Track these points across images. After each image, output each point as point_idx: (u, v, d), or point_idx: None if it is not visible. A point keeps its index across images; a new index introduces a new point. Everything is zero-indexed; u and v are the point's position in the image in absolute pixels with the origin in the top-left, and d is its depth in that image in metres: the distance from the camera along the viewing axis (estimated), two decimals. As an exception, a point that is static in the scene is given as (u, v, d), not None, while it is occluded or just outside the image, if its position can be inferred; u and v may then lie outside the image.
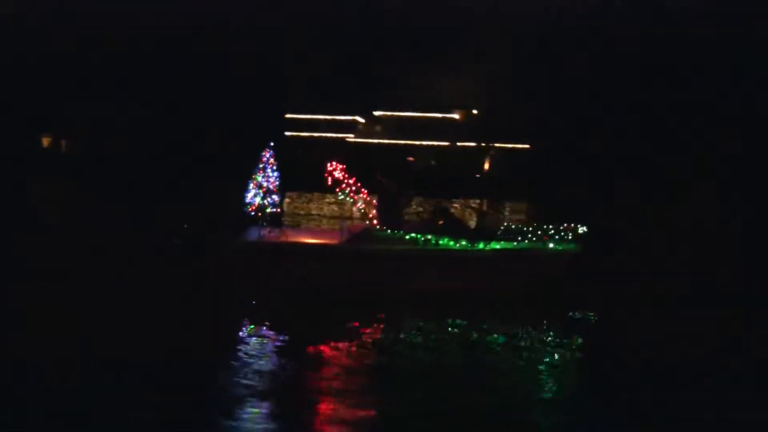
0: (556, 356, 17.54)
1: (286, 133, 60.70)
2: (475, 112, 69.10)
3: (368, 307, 20.98)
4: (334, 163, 24.04)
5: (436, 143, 66.61)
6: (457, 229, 24.13)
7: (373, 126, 64.61)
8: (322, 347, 17.26)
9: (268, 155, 24.43)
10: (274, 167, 24.52)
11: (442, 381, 15.30)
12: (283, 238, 23.71)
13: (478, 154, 68.72)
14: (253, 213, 24.04)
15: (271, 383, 14.76)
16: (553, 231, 23.51)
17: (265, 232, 23.54)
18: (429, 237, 22.85)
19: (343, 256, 22.77)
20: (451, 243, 22.89)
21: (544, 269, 22.97)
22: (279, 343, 17.78)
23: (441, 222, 25.16)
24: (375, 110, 64.69)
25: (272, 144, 25.07)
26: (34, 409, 12.80)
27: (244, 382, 14.56)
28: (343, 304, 21.09)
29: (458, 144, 67.36)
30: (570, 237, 23.47)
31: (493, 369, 16.39)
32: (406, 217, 24.82)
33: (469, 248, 22.77)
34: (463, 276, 22.31)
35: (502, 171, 68.47)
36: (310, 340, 17.70)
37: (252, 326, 19.25)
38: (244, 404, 13.39)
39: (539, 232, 23.69)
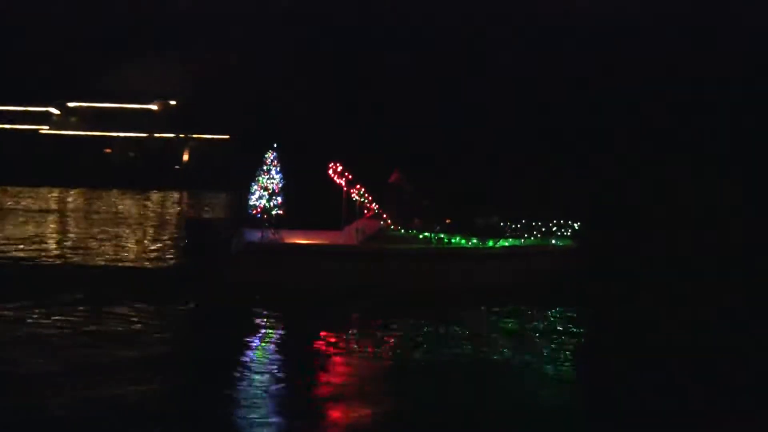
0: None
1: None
2: (173, 103, 69.47)
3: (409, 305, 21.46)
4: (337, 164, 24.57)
5: (134, 134, 66.17)
6: (467, 227, 24.84)
7: (68, 117, 63.10)
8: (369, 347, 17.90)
9: (272, 157, 24.94)
10: (278, 169, 25.02)
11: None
12: (288, 240, 23.54)
13: (177, 145, 68.94)
14: (258, 215, 24.51)
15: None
16: (554, 228, 24.54)
17: (268, 233, 23.35)
18: (442, 236, 23.74)
19: (366, 257, 22.89)
20: (463, 241, 23.77)
21: (554, 264, 24.02)
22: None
23: (449, 221, 25.82)
24: (70, 101, 63.19)
25: (275, 146, 25.59)
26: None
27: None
28: (373, 303, 21.34)
29: (156, 135, 67.55)
30: (568, 233, 24.50)
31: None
32: (416, 218, 25.27)
33: (480, 246, 23.71)
34: (484, 272, 23.32)
35: (202, 161, 67.80)
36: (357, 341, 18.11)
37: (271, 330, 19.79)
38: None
39: (543, 229, 24.69)
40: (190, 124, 69.34)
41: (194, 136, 69.72)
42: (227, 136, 68.35)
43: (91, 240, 32.02)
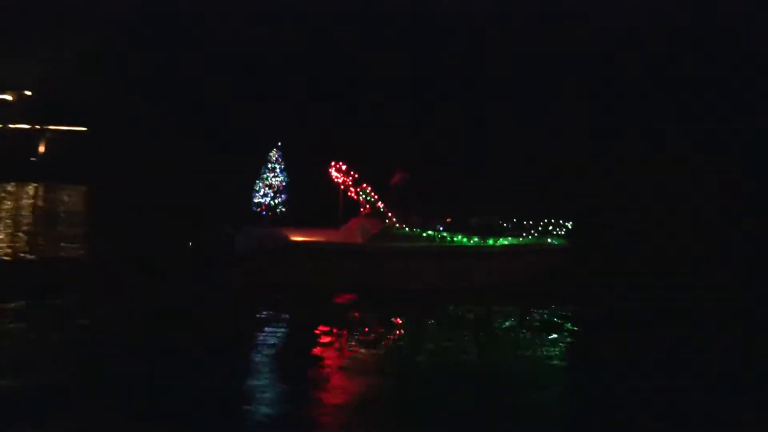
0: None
1: None
2: (28, 93, 68.19)
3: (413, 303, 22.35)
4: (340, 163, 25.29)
5: (-13, 125, 64.43)
6: (466, 226, 25.61)
7: None
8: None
9: (277, 155, 25.61)
10: (282, 167, 25.69)
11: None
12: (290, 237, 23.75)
13: (33, 137, 66.95)
14: (264, 213, 24.34)
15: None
16: (550, 226, 25.40)
17: (271, 231, 23.58)
18: (445, 234, 24.58)
19: (374, 255, 23.54)
20: (465, 239, 24.61)
21: (550, 263, 24.95)
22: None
23: (449, 219, 26.52)
24: None
25: (280, 144, 26.21)
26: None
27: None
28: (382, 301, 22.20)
29: (11, 126, 66.18)
30: (563, 232, 25.37)
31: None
32: (415, 216, 25.96)
33: (482, 244, 24.56)
34: (485, 270, 24.28)
35: (59, 153, 65.68)
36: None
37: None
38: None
39: (539, 227, 25.53)
40: (46, 115, 68.02)
41: (51, 127, 68.35)
42: (85, 128, 67.34)
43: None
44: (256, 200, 24.54)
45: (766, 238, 34.43)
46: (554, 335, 19.54)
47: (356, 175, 24.50)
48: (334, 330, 19.11)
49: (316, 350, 17.24)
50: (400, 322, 20.70)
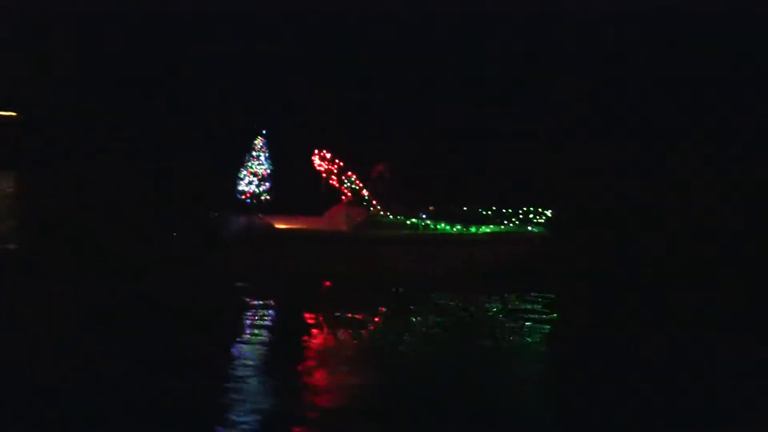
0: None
1: None
2: None
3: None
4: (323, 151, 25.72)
5: None
6: (450, 214, 26.21)
7: None
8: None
9: (261, 143, 25.97)
10: (267, 155, 26.02)
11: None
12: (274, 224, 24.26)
13: None
14: (248, 200, 24.47)
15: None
16: (531, 215, 26.06)
17: (255, 218, 23.95)
18: (429, 222, 25.16)
19: (359, 242, 24.17)
20: (448, 227, 25.23)
21: (529, 250, 25.62)
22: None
23: (432, 207, 27.04)
24: None
25: (264, 132, 26.55)
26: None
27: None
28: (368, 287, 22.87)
29: None
30: (542, 220, 26.03)
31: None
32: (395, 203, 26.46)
33: (465, 232, 25.18)
34: (469, 256, 24.91)
35: None
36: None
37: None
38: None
39: (521, 216, 26.17)
40: None
41: None
42: (14, 113, 66.05)
43: None
44: (240, 188, 24.69)
45: (732, 225, 35.20)
46: (529, 321, 20.07)
47: (341, 164, 24.94)
48: (316, 315, 19.46)
49: (297, 335, 17.47)
50: (383, 309, 21.09)
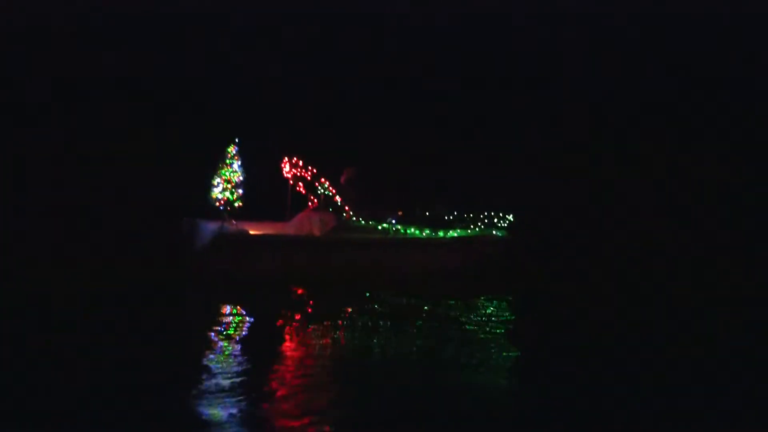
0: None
1: None
2: None
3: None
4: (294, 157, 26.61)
5: None
6: (419, 219, 27.29)
7: None
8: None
9: (234, 151, 25.42)
10: (240, 162, 26.62)
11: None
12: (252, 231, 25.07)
13: None
14: (222, 207, 25.00)
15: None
16: (495, 219, 27.28)
17: (228, 224, 24.63)
18: (398, 227, 26.25)
19: (331, 246, 25.04)
20: (417, 232, 26.31)
21: (495, 250, 26.84)
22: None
23: (401, 212, 28.09)
24: None
25: (237, 140, 27.23)
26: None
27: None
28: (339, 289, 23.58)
29: None
30: (506, 224, 27.27)
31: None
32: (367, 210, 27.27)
33: (433, 236, 26.31)
34: (439, 258, 26.02)
35: None
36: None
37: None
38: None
39: (485, 221, 27.36)
40: None
41: None
42: None
43: None
44: (213, 195, 25.24)
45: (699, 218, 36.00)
46: (492, 319, 20.80)
47: (314, 171, 25.87)
48: (290, 316, 20.03)
49: (268, 336, 17.84)
50: (350, 310, 21.64)
